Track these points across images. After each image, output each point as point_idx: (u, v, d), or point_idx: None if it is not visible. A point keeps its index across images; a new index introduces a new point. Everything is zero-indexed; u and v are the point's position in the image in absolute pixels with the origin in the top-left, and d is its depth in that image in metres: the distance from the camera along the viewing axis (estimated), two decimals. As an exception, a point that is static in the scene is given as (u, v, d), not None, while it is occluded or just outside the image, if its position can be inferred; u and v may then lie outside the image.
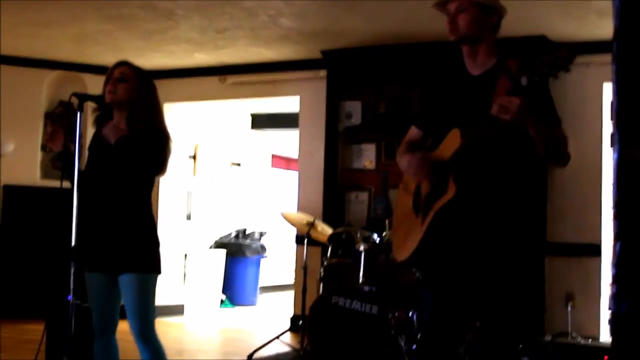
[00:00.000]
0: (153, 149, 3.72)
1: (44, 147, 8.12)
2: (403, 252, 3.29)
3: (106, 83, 3.80)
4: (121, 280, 3.68)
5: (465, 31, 3.12)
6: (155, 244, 3.81)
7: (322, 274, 5.75)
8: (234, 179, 11.20)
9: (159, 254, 3.79)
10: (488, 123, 2.86)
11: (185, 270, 9.03)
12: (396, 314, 4.97)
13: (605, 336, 6.47)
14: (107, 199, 3.72)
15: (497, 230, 3.09)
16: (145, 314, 3.70)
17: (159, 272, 3.78)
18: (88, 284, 3.75)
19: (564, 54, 2.66)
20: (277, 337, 6.47)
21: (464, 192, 3.00)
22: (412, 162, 3.21)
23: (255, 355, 6.18)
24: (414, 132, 3.45)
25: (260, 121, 10.73)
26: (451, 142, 3.05)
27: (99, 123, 3.88)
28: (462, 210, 3.06)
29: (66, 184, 3.53)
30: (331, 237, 6.04)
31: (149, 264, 3.73)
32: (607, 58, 5.12)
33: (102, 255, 3.70)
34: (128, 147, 3.71)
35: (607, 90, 6.61)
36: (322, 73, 7.62)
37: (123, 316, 3.71)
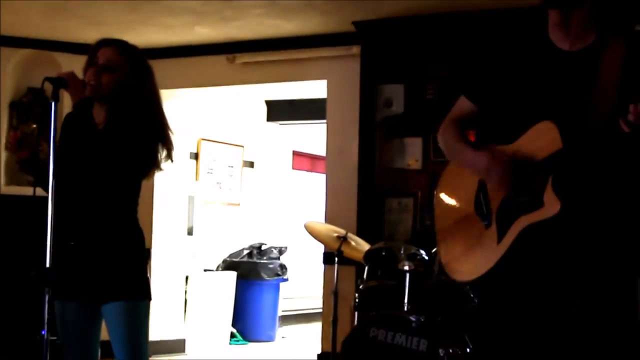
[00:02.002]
0: (139, 140, 3.64)
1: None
2: (465, 272, 3.21)
3: (87, 67, 3.71)
4: (106, 310, 3.65)
5: None
6: (144, 263, 3.80)
7: (357, 300, 5.74)
8: (246, 183, 11.21)
9: (148, 276, 3.79)
10: (601, 121, 2.78)
11: (186, 297, 9.06)
12: (450, 350, 4.95)
13: None
14: (83, 205, 3.67)
15: (609, 260, 2.97)
16: (138, 352, 3.68)
17: (150, 298, 3.77)
18: (60, 316, 3.70)
19: None
20: (301, 380, 6.49)
21: (570, 209, 2.87)
22: (480, 162, 3.12)
23: (274, 403, 6.22)
24: (465, 105, 3.39)
25: (278, 111, 10.75)
26: (544, 140, 2.95)
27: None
28: (566, 233, 2.94)
29: (40, 192, 3.46)
30: (368, 255, 6.02)
31: (139, 288, 3.72)
32: None
33: (79, 279, 3.65)
34: (108, 138, 3.62)
35: None
36: (355, 50, 7.61)
37: (105, 355, 3.73)
